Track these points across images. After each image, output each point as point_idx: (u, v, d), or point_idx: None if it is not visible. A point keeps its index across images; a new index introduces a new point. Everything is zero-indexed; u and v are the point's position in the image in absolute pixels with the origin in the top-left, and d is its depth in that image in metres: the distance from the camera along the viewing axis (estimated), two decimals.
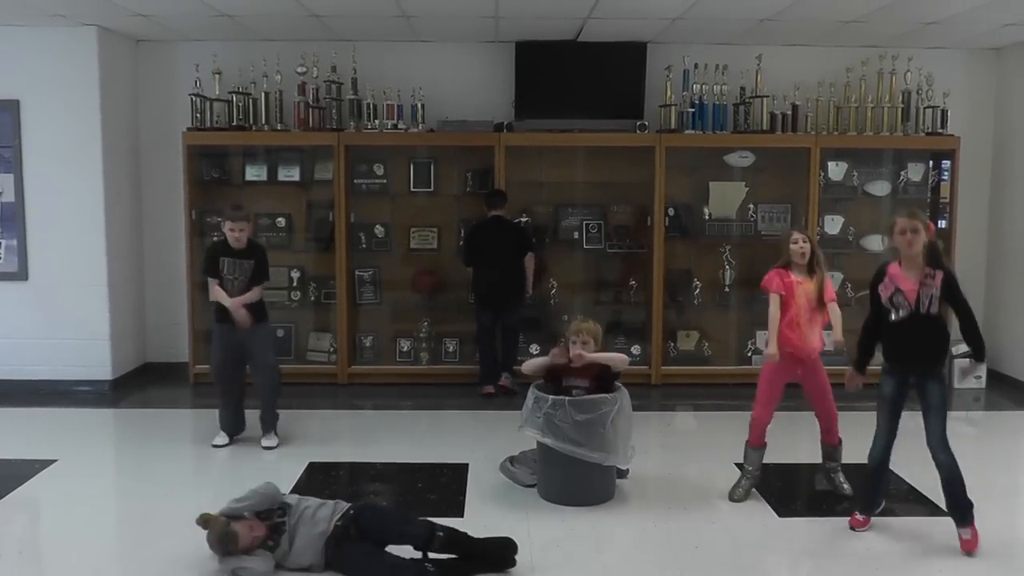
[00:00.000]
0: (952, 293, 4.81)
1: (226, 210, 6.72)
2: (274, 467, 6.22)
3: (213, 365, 6.83)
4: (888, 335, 5.00)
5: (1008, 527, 5.41)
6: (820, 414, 5.84)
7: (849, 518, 5.25)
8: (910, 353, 4.93)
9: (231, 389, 6.76)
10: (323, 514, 4.69)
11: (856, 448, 6.39)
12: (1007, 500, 5.90)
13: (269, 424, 6.78)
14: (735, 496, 5.73)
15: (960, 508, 4.90)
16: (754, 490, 5.81)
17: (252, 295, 6.55)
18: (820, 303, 5.60)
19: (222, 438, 6.74)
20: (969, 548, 4.89)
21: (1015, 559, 4.96)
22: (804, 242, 5.61)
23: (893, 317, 4.90)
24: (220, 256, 6.54)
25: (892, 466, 6.07)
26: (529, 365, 5.94)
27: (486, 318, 8.31)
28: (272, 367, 6.74)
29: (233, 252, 6.53)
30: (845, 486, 5.79)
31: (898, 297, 4.87)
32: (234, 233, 6.47)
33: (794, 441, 6.50)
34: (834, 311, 5.65)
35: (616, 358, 5.81)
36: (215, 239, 6.76)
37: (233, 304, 6.44)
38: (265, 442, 6.71)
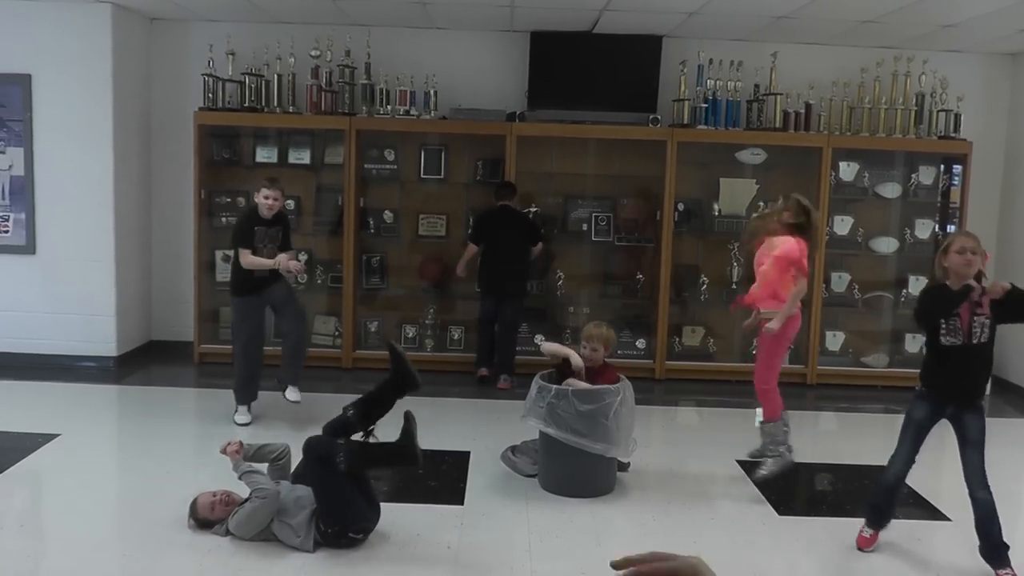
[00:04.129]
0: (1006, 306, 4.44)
1: (263, 180, 6.78)
2: None
3: (242, 339, 6.78)
4: (933, 358, 4.71)
5: (1009, 538, 5.41)
6: None
7: (858, 535, 5.04)
8: (953, 385, 4.66)
9: (258, 360, 6.80)
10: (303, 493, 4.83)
11: (857, 449, 6.43)
12: (1010, 509, 5.89)
13: (296, 376, 6.85)
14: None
15: (995, 549, 4.64)
16: (755, 488, 5.81)
17: (297, 265, 6.75)
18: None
19: (245, 415, 6.74)
20: None
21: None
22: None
23: (944, 341, 4.60)
24: (255, 227, 6.62)
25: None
26: (548, 347, 5.97)
27: (488, 305, 8.32)
28: (304, 317, 7.02)
29: (264, 222, 6.62)
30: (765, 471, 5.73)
31: (954, 322, 4.54)
32: (268, 201, 6.57)
33: (796, 439, 6.48)
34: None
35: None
36: (248, 209, 6.82)
37: (280, 260, 6.55)
38: (292, 395, 6.78)
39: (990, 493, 4.63)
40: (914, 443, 4.84)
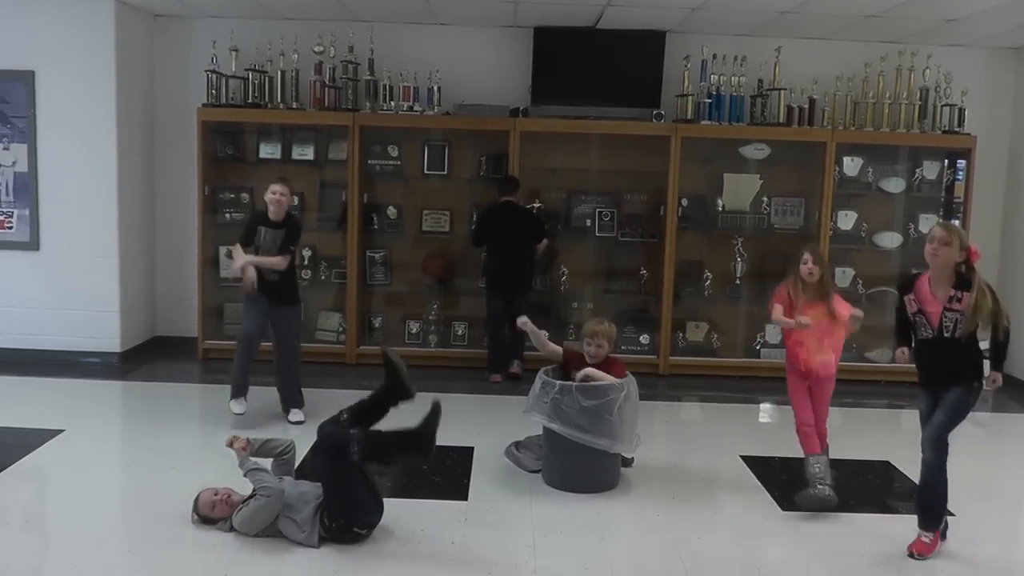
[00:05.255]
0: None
1: (272, 177, 6.72)
2: None
3: (241, 334, 6.79)
4: (916, 351, 4.78)
5: (1012, 533, 5.41)
6: None
7: (912, 542, 4.82)
8: (938, 375, 4.70)
9: (252, 352, 6.75)
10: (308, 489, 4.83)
11: (860, 445, 6.40)
12: (1013, 504, 5.89)
13: (296, 400, 6.85)
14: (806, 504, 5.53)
15: (930, 509, 4.68)
16: (758, 483, 5.81)
17: (274, 260, 6.59)
18: (833, 323, 5.52)
19: (241, 405, 6.65)
20: (920, 551, 4.68)
21: (1017, 565, 4.97)
22: (813, 264, 5.51)
23: (920, 334, 4.70)
24: (259, 225, 6.59)
25: (897, 464, 6.10)
26: (544, 346, 5.94)
27: (496, 304, 8.29)
28: (294, 347, 6.92)
29: (270, 223, 6.58)
30: (827, 491, 5.53)
31: (920, 318, 4.65)
32: (275, 196, 6.52)
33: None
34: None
35: (607, 379, 5.74)
36: (257, 210, 6.73)
37: (243, 262, 6.49)
38: (294, 417, 6.76)
39: (941, 457, 4.62)
40: None
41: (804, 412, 5.59)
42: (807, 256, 5.57)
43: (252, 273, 6.51)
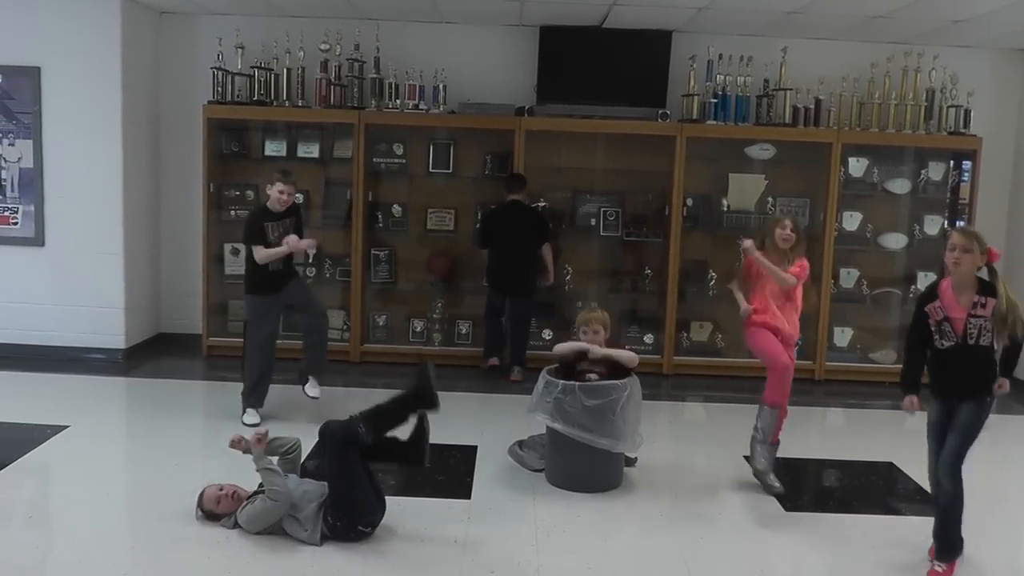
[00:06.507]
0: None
1: (276, 173, 6.68)
2: None
3: (260, 339, 6.68)
4: (933, 362, 4.70)
5: (1015, 537, 5.40)
6: None
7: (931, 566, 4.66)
8: (954, 384, 4.63)
9: (271, 362, 6.74)
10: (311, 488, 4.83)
11: (864, 446, 6.39)
12: (1018, 506, 5.87)
13: (319, 370, 6.82)
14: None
15: (947, 542, 4.57)
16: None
17: (305, 243, 6.70)
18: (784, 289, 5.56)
19: (254, 416, 6.61)
20: None
21: (1019, 570, 4.96)
22: (791, 231, 5.57)
23: (939, 345, 4.61)
24: (265, 223, 6.56)
25: (900, 464, 6.10)
26: (560, 348, 5.92)
27: (496, 299, 8.34)
28: (324, 312, 6.99)
29: (273, 215, 6.57)
30: (776, 485, 5.61)
31: (946, 325, 4.55)
32: (283, 196, 6.50)
33: (803, 435, 6.48)
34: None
35: (625, 356, 5.79)
36: (257, 205, 6.75)
37: (288, 241, 6.49)
38: (312, 391, 6.71)
39: (958, 484, 4.53)
40: (939, 448, 4.72)
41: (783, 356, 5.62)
42: (787, 223, 5.61)
43: (306, 242, 6.68)
